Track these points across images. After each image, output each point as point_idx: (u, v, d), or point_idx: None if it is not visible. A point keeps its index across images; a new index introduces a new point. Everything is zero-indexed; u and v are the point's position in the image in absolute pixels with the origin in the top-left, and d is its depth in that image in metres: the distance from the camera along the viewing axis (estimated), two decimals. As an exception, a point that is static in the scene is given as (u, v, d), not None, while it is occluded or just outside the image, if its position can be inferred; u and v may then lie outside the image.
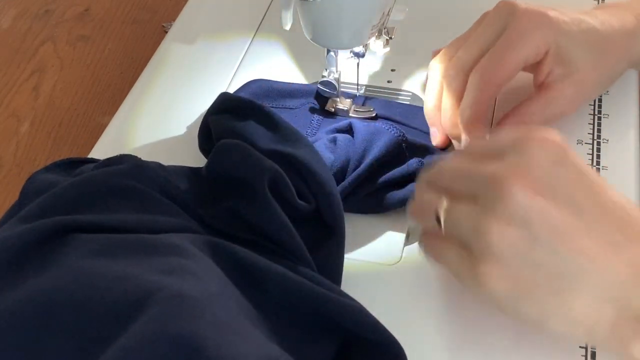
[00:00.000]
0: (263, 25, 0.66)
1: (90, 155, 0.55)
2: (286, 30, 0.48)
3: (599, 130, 0.53)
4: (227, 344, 0.31)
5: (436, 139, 0.52)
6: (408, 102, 0.58)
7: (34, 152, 0.67)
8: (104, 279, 0.34)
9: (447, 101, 0.50)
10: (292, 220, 0.43)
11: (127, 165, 0.44)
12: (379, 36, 0.53)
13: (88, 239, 0.38)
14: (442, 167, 0.41)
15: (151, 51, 0.64)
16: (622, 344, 0.36)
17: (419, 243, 0.43)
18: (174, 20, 0.68)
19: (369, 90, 0.59)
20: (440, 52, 0.54)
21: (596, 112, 0.55)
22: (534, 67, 0.50)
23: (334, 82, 0.54)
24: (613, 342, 0.36)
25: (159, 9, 0.82)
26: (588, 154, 0.51)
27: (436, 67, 0.53)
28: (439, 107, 0.52)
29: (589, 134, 0.53)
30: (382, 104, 0.57)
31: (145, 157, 0.51)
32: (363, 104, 0.57)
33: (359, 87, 0.58)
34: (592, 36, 0.49)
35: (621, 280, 0.35)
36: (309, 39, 0.52)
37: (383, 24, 0.52)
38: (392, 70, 0.61)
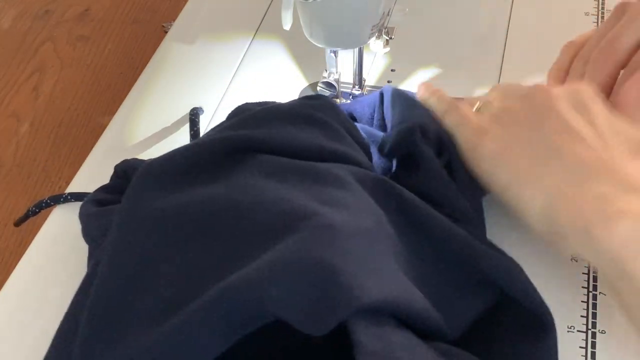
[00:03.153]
0: (263, 25, 0.66)
1: (90, 155, 0.55)
2: (286, 30, 0.48)
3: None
4: (361, 275, 0.33)
5: None
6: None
7: (34, 152, 0.67)
8: (268, 196, 0.38)
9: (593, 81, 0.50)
10: None
11: (321, 102, 0.47)
12: (379, 36, 0.53)
13: (263, 160, 0.41)
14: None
15: (151, 51, 0.64)
16: (583, 225, 0.38)
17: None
18: (174, 20, 0.68)
19: (369, 91, 0.59)
20: (575, 43, 0.54)
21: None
22: None
23: (333, 82, 0.54)
24: (567, 222, 0.39)
25: (159, 9, 0.82)
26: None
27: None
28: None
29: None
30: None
31: (144, 157, 0.51)
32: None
33: (359, 87, 0.58)
34: None
35: (589, 166, 0.40)
36: (309, 38, 0.52)
37: (383, 24, 0.52)
38: (392, 70, 0.61)
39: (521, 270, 0.39)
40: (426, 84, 0.50)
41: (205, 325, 0.32)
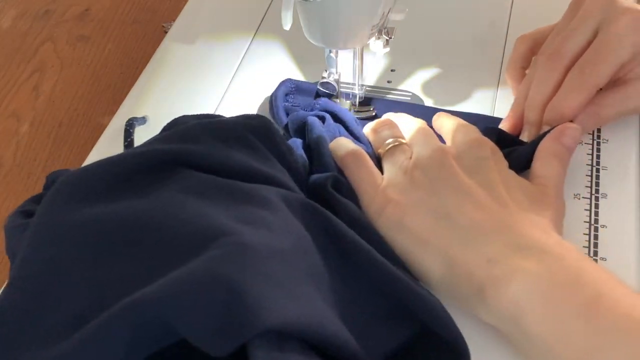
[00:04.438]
0: (263, 25, 0.66)
1: (90, 155, 0.55)
2: (286, 30, 0.48)
3: (598, 130, 0.53)
4: (270, 297, 0.32)
5: (509, 123, 0.52)
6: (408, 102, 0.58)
7: (34, 152, 0.67)
8: (187, 213, 0.37)
9: (539, 92, 0.50)
10: None
11: (258, 123, 0.46)
12: (379, 36, 0.53)
13: (189, 176, 0.40)
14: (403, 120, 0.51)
15: (151, 51, 0.64)
16: (477, 289, 0.38)
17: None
18: (174, 20, 0.68)
19: (369, 91, 0.59)
20: (528, 37, 0.55)
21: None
22: None
23: (333, 82, 0.54)
24: (464, 286, 0.39)
25: (159, 9, 0.82)
26: (588, 154, 0.51)
27: (538, 58, 0.53)
28: (526, 96, 0.52)
29: (588, 134, 0.53)
30: (385, 103, 0.57)
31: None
32: (367, 104, 0.57)
33: (359, 87, 0.58)
34: None
35: (480, 227, 0.40)
36: (309, 39, 0.52)
37: (383, 24, 0.52)
38: (392, 70, 0.61)
39: (441, 305, 0.39)
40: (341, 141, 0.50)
41: (107, 342, 0.31)
